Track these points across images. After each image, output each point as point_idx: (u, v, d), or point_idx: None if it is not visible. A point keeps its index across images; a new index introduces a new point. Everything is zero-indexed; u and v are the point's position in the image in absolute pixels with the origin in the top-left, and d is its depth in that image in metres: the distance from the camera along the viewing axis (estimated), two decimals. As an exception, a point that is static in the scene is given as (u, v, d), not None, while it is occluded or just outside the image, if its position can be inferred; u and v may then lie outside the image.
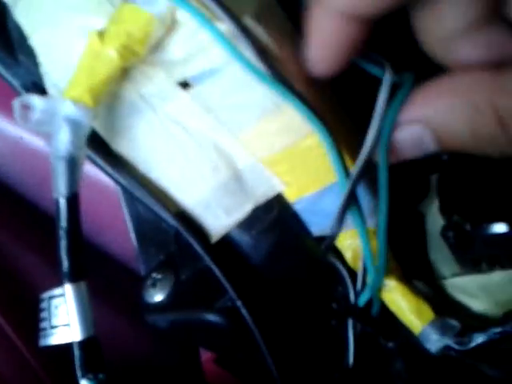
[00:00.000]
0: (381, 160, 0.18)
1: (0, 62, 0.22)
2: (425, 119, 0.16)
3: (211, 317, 0.20)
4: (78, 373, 0.17)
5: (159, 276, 0.22)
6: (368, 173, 0.19)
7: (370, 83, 0.19)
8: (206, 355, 0.27)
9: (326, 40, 0.17)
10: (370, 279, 0.20)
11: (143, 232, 0.23)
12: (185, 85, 0.19)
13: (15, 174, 0.30)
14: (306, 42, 0.18)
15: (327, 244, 0.18)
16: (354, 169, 0.18)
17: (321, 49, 0.18)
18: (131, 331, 0.28)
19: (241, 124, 0.19)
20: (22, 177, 0.30)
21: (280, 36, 0.19)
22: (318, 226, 0.21)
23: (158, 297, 0.21)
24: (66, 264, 0.17)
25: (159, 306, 0.21)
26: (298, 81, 0.19)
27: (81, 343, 0.17)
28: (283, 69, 0.18)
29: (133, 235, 0.23)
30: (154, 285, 0.21)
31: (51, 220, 0.30)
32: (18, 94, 0.22)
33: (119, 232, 0.30)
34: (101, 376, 0.17)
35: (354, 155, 0.19)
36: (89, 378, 0.17)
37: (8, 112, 0.30)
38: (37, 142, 0.29)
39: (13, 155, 0.30)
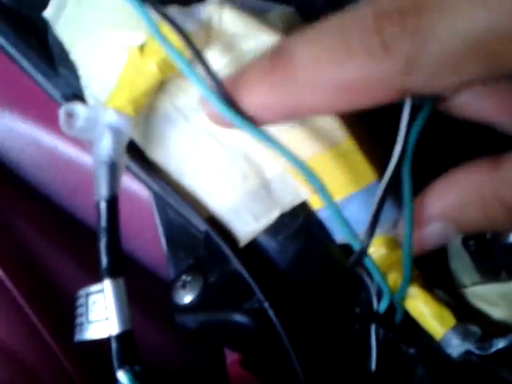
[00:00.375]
0: (405, 172, 0.19)
1: (41, 73, 0.23)
2: (445, 215, 0.18)
3: (239, 317, 0.21)
4: (115, 364, 0.18)
5: (188, 278, 0.23)
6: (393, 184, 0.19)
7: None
8: (230, 358, 0.27)
9: None
10: (387, 287, 0.21)
11: (173, 237, 0.24)
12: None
13: (49, 183, 0.32)
14: None
15: (357, 258, 0.18)
16: (384, 180, 0.19)
17: None
18: (159, 335, 0.29)
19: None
20: (55, 185, 0.32)
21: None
22: (341, 234, 0.22)
23: (188, 298, 0.22)
24: (105, 261, 0.18)
25: (188, 307, 0.22)
26: None
27: (118, 336, 0.18)
28: None
29: (163, 240, 0.24)
30: (183, 286, 0.22)
31: (82, 226, 0.32)
32: (57, 104, 0.23)
33: (147, 240, 0.31)
34: (137, 368, 0.18)
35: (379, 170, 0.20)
36: (125, 370, 0.17)
37: (44, 122, 0.31)
38: (71, 152, 0.31)
39: (47, 164, 0.31)
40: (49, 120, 0.31)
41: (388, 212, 0.20)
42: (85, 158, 0.30)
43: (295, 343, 0.20)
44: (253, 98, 0.16)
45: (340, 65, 0.14)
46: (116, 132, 0.19)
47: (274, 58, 0.16)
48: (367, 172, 0.21)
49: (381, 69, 0.14)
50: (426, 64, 0.14)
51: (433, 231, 0.18)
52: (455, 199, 0.17)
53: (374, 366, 0.22)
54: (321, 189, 0.17)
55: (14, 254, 0.28)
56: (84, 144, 0.28)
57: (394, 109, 0.19)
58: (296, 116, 0.17)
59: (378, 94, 0.15)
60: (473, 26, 0.13)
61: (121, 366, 0.17)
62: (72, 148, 0.31)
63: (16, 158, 0.32)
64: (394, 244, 0.21)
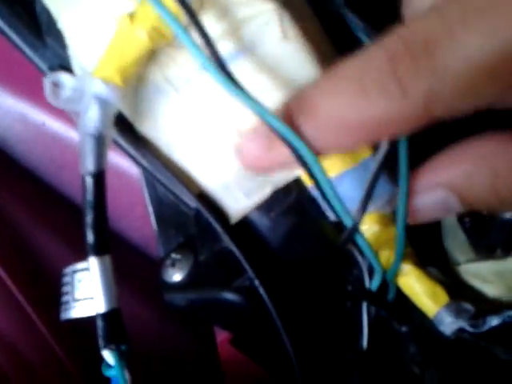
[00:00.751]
0: (401, 146, 0.18)
1: (28, 45, 0.22)
2: (449, 183, 0.16)
3: (229, 295, 0.20)
4: (101, 343, 0.17)
5: (178, 256, 0.22)
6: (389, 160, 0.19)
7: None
8: (221, 337, 0.27)
9: None
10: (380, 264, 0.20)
11: (163, 214, 0.24)
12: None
13: (36, 159, 0.31)
14: None
15: (348, 235, 0.18)
16: (378, 156, 0.19)
17: None
18: (148, 314, 0.28)
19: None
20: (42, 161, 0.31)
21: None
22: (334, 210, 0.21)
23: (177, 276, 0.22)
24: (91, 238, 0.18)
25: (178, 285, 0.21)
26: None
27: (104, 315, 0.17)
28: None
29: (152, 218, 0.24)
30: (172, 265, 0.22)
31: (69, 203, 0.31)
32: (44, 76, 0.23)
33: (136, 218, 0.31)
34: (123, 347, 0.17)
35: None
36: (111, 349, 0.17)
37: (31, 97, 0.30)
38: (59, 128, 0.30)
39: (34, 140, 0.31)
40: (36, 95, 0.30)
41: (382, 188, 0.20)
42: (72, 134, 0.30)
43: (286, 321, 0.20)
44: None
45: (361, 108, 0.15)
46: (103, 103, 0.19)
47: (295, 107, 0.16)
48: (362, 147, 0.20)
49: (400, 108, 0.14)
50: (443, 97, 0.14)
51: (431, 200, 0.17)
52: (463, 168, 0.16)
53: (365, 343, 0.21)
54: (314, 163, 0.16)
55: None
56: (72, 120, 0.27)
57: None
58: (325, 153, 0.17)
59: (403, 128, 0.15)
60: (484, 52, 0.13)
61: (106, 345, 0.17)
62: (60, 124, 0.30)
63: (2, 134, 0.31)
64: (387, 221, 0.20)
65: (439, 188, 0.17)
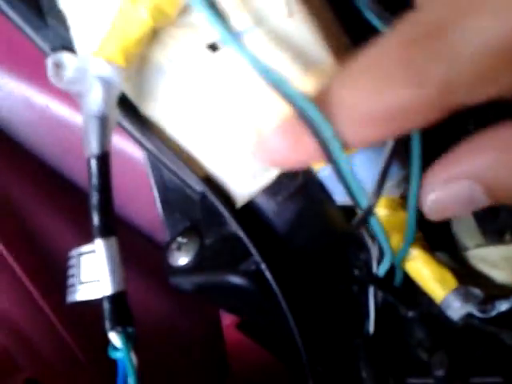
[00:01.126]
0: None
1: (29, 25, 0.22)
2: (474, 174, 0.15)
3: (235, 279, 0.20)
4: (107, 325, 0.17)
5: (184, 240, 0.22)
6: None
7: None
8: (226, 321, 0.27)
9: None
10: (389, 249, 0.20)
11: (168, 198, 0.23)
12: (213, 47, 0.20)
13: (40, 142, 0.31)
14: None
15: (362, 218, 0.18)
16: (389, 142, 0.18)
17: None
18: (152, 297, 0.28)
19: (263, 91, 0.20)
20: (46, 145, 0.31)
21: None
22: (342, 194, 0.21)
23: (183, 260, 0.21)
24: (96, 220, 0.18)
25: (183, 269, 0.21)
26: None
27: (111, 297, 0.17)
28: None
29: (158, 202, 0.24)
30: (178, 248, 0.22)
31: (74, 186, 0.31)
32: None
33: (142, 203, 0.31)
34: (129, 329, 0.17)
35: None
36: (118, 331, 0.17)
37: (35, 80, 0.30)
38: (63, 111, 0.30)
39: (38, 123, 0.30)
40: (39, 78, 0.30)
41: (393, 171, 0.20)
42: (76, 117, 0.29)
43: (292, 305, 0.20)
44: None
45: (383, 98, 0.14)
46: (106, 84, 0.18)
47: (318, 102, 0.16)
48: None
49: (418, 96, 0.14)
50: (461, 84, 0.14)
51: (454, 193, 0.16)
52: (489, 157, 0.15)
53: (371, 328, 0.21)
54: (332, 138, 0.16)
55: (3, 214, 0.27)
56: (76, 103, 0.27)
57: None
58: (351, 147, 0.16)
59: (421, 117, 0.15)
60: (499, 35, 0.13)
61: (113, 327, 0.17)
62: (63, 107, 0.30)
63: (6, 117, 0.31)
64: (396, 205, 0.20)
65: (462, 180, 0.15)
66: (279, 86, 0.16)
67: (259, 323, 0.23)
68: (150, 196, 0.24)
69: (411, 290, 0.21)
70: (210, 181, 0.22)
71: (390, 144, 0.18)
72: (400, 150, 0.19)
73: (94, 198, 0.18)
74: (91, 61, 0.19)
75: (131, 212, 0.32)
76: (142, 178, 0.26)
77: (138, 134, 0.22)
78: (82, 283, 0.18)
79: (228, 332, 0.27)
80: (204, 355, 0.29)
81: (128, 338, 0.17)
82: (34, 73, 0.30)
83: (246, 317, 0.24)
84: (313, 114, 0.15)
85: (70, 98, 0.27)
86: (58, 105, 0.30)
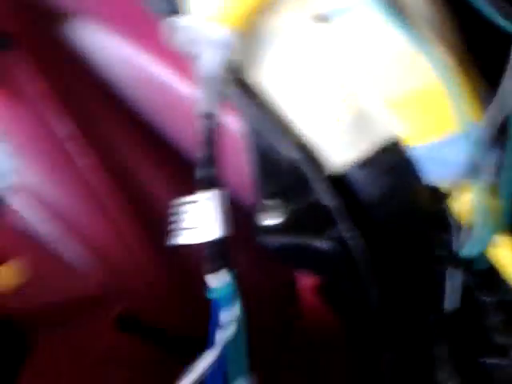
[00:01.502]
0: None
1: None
2: None
3: (320, 243, 0.21)
4: (207, 269, 0.19)
5: (274, 203, 0.23)
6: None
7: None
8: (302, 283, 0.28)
9: None
10: (478, 234, 0.20)
11: (261, 162, 0.24)
12: (324, 19, 0.20)
13: (141, 100, 0.33)
14: None
15: (448, 191, 0.18)
16: (488, 127, 0.18)
17: None
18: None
19: (368, 64, 0.20)
20: (146, 103, 0.32)
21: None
22: (434, 174, 0.21)
23: (272, 220, 0.23)
24: (202, 172, 0.19)
25: (272, 229, 0.22)
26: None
27: (216, 241, 0.19)
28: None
29: (251, 166, 0.25)
30: (268, 210, 0.23)
31: (169, 144, 0.33)
32: (153, 22, 0.23)
33: (234, 166, 0.32)
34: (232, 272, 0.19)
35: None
36: (224, 270, 0.18)
37: (137, 40, 0.31)
38: (162, 71, 0.31)
39: (138, 82, 0.32)
40: (142, 39, 0.31)
41: (489, 157, 0.20)
42: (176, 79, 0.31)
43: (373, 275, 0.21)
44: None
45: None
46: (219, 47, 0.19)
47: None
48: (470, 114, 0.20)
49: None
50: None
51: None
52: None
53: (447, 306, 0.22)
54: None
55: (105, 162, 0.29)
56: (177, 65, 0.28)
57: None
58: None
59: None
60: None
61: (219, 268, 0.18)
62: (163, 67, 0.31)
63: (110, 75, 0.33)
64: (489, 191, 0.20)
65: None
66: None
67: (338, 289, 0.24)
68: (242, 160, 0.25)
69: (492, 274, 0.21)
70: (304, 148, 0.22)
71: (487, 132, 0.18)
72: (496, 136, 0.19)
73: (201, 153, 0.20)
74: (206, 24, 0.20)
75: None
76: (234, 142, 0.27)
77: (241, 100, 0.23)
78: (185, 229, 0.20)
79: (303, 294, 0.28)
80: (273, 313, 0.30)
81: (233, 279, 0.18)
82: (137, 33, 0.31)
83: (326, 280, 0.25)
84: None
85: (172, 60, 0.28)
86: (159, 66, 0.31)
